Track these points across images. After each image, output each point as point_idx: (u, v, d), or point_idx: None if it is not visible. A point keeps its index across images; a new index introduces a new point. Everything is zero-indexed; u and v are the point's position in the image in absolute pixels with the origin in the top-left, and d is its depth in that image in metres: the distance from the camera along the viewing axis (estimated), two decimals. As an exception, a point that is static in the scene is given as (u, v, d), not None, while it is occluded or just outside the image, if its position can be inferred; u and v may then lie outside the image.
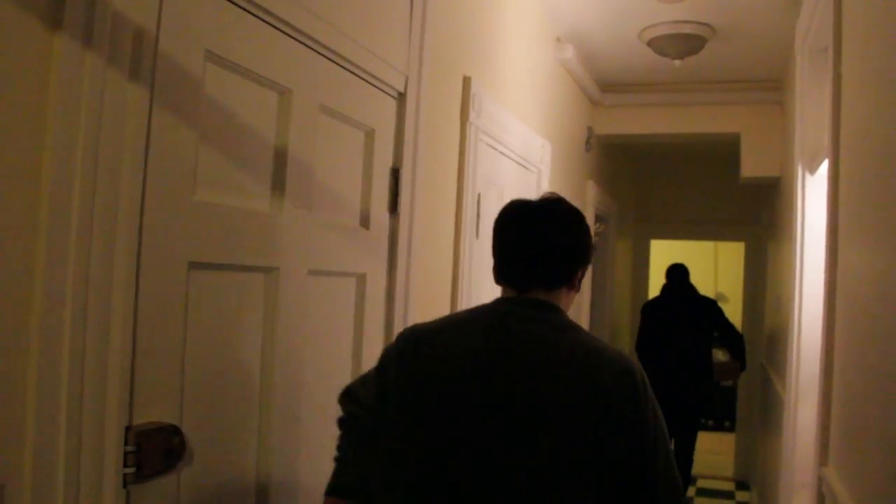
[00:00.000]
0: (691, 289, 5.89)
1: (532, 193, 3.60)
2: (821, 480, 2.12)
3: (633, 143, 6.13)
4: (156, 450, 1.32)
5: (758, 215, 6.50)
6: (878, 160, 1.66)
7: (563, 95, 4.35)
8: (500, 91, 3.15)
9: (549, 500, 1.45)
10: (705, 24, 3.84)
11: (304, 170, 1.78)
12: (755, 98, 4.85)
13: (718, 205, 6.93)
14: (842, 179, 2.12)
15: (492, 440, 1.47)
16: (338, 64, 1.90)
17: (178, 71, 1.38)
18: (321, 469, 1.89)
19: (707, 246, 9.06)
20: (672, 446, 1.55)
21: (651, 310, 5.94)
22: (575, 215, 1.61)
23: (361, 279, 2.07)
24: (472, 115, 2.72)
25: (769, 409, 4.78)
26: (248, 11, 1.57)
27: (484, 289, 2.97)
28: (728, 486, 6.65)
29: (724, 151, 5.58)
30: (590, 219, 4.79)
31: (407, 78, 2.22)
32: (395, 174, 2.20)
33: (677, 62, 4.12)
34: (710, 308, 5.77)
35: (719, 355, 6.07)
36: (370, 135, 2.08)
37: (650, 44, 4.03)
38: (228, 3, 1.52)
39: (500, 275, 1.63)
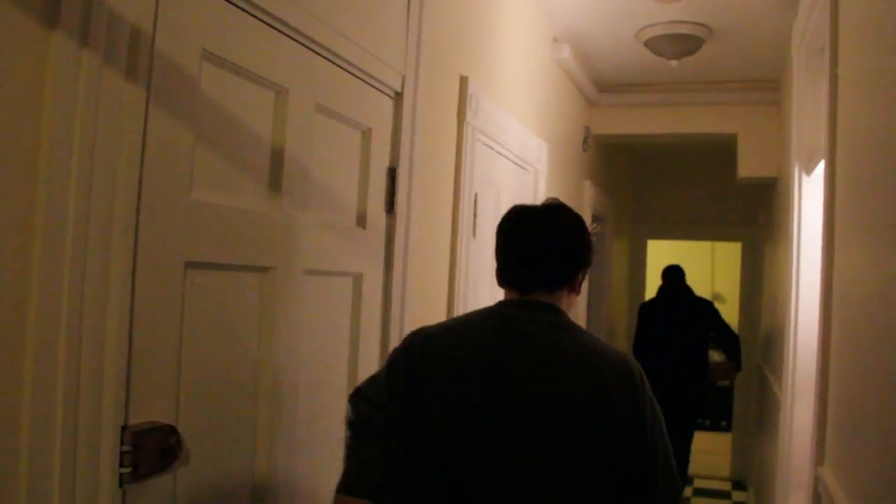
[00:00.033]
0: (687, 290, 5.94)
1: (529, 193, 3.60)
2: (817, 480, 2.13)
3: (630, 143, 6.14)
4: (152, 449, 1.31)
5: (754, 215, 6.50)
6: (874, 160, 1.67)
7: (560, 95, 4.35)
8: (497, 91, 3.15)
9: (549, 498, 1.47)
10: (702, 25, 3.84)
11: (300, 169, 1.78)
12: (752, 98, 4.86)
13: (715, 205, 6.94)
14: (838, 180, 2.12)
15: (493, 440, 1.50)
16: (334, 63, 1.90)
17: (175, 70, 1.38)
18: (318, 469, 1.89)
19: (704, 246, 9.06)
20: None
21: (647, 311, 6.00)
22: (575, 220, 1.65)
23: (358, 279, 2.07)
24: (468, 115, 2.72)
25: (766, 409, 4.79)
26: (245, 11, 1.57)
27: (481, 288, 2.98)
28: (725, 485, 6.65)
29: (721, 152, 5.59)
30: (586, 219, 4.79)
31: (404, 77, 2.22)
32: (392, 174, 2.20)
33: (674, 62, 4.13)
34: (705, 309, 5.83)
35: (715, 356, 6.13)
36: (367, 134, 2.08)
37: (647, 44, 4.03)
38: (225, 3, 1.51)
39: (503, 277, 1.67)
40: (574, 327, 1.61)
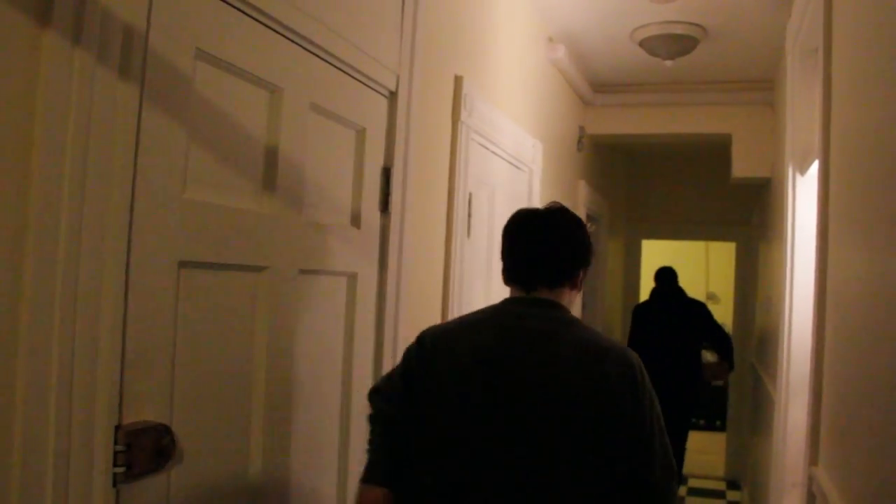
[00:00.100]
0: (680, 292, 6.03)
1: (524, 193, 3.61)
2: (811, 480, 2.13)
3: (624, 143, 6.15)
4: (146, 449, 1.31)
5: (749, 216, 6.52)
6: (867, 161, 1.67)
7: (555, 95, 4.35)
8: (492, 91, 3.15)
9: (549, 497, 1.53)
10: (697, 25, 3.85)
11: (294, 169, 1.78)
12: (746, 99, 4.87)
13: (709, 205, 6.95)
14: (832, 180, 2.13)
15: (493, 440, 1.58)
16: (329, 63, 1.90)
17: (168, 69, 1.38)
18: (312, 468, 1.89)
19: (698, 246, 9.08)
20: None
21: (641, 313, 6.10)
22: (575, 222, 1.78)
23: (352, 279, 2.07)
24: (463, 115, 2.72)
25: (760, 409, 4.80)
26: (239, 10, 1.56)
27: (475, 288, 2.97)
28: (719, 485, 6.67)
29: (716, 152, 5.60)
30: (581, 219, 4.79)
31: (398, 77, 2.22)
32: (387, 173, 2.20)
33: (669, 62, 4.13)
34: (698, 310, 5.93)
35: (708, 356, 6.19)
36: (361, 134, 2.08)
37: (642, 44, 4.04)
38: (219, 2, 1.51)
39: (509, 276, 1.78)
40: (575, 322, 1.71)
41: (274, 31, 1.68)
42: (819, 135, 2.29)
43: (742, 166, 4.90)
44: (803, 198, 3.05)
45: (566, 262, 1.74)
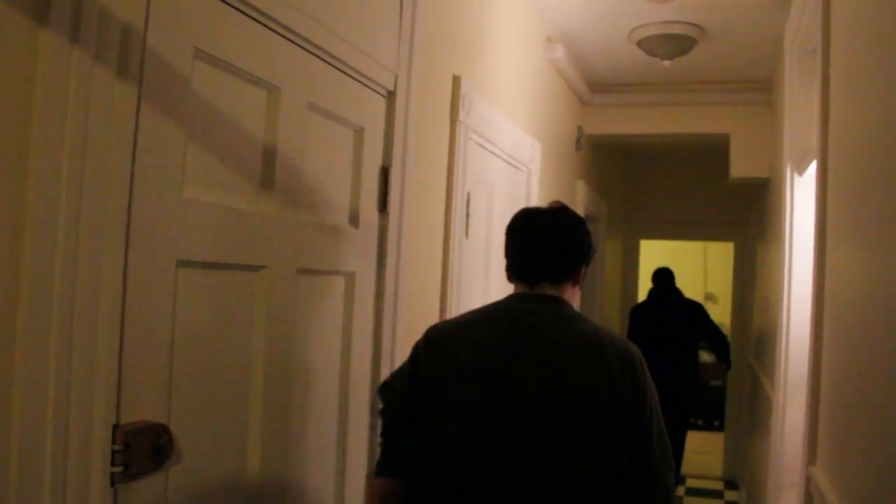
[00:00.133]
0: (677, 292, 6.06)
1: (522, 193, 3.60)
2: (809, 480, 2.13)
3: (622, 143, 6.15)
4: (144, 448, 1.31)
5: (747, 216, 6.52)
6: (865, 161, 1.67)
7: (553, 95, 4.35)
8: (490, 90, 3.15)
9: (552, 483, 1.57)
10: (695, 25, 3.85)
11: (292, 168, 1.77)
12: (744, 99, 4.87)
13: (708, 205, 6.96)
14: (830, 180, 2.13)
15: (498, 433, 1.61)
16: (327, 62, 1.90)
17: (167, 68, 1.37)
18: (310, 467, 1.89)
19: (696, 246, 9.08)
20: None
21: (638, 314, 6.12)
22: (577, 220, 1.83)
23: (350, 278, 2.07)
24: (461, 115, 2.72)
25: (758, 409, 4.80)
26: (237, 9, 1.56)
27: (473, 288, 2.97)
28: (717, 485, 6.67)
29: (714, 152, 5.60)
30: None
31: (396, 76, 2.22)
32: (385, 173, 2.20)
33: (667, 63, 4.13)
34: (695, 311, 5.95)
35: (705, 356, 6.21)
36: (359, 133, 2.08)
37: (640, 44, 4.04)
38: (217, 1, 1.51)
39: (513, 273, 1.83)
40: (578, 316, 1.76)
41: (272, 30, 1.68)
42: (817, 135, 2.29)
43: (740, 166, 4.91)
44: (801, 198, 3.06)
45: (568, 259, 1.79)
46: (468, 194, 2.86)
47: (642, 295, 6.59)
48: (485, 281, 3.11)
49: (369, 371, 2.16)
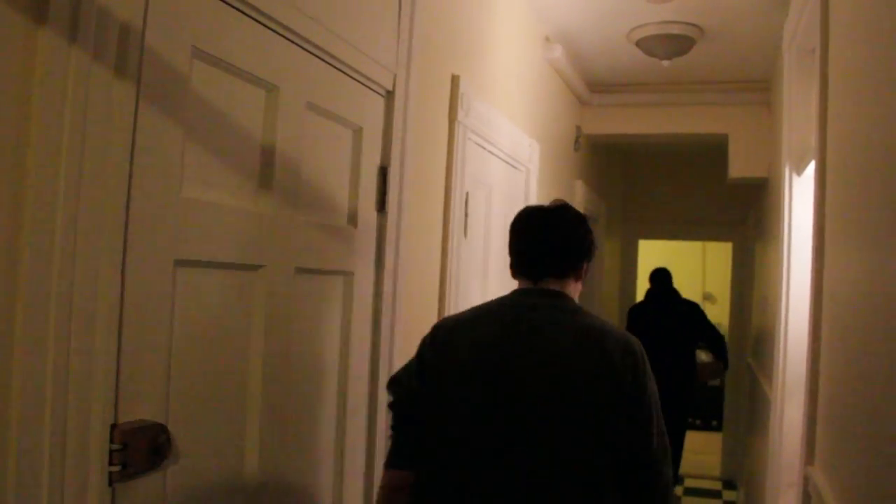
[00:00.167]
0: (674, 293, 6.08)
1: (520, 193, 3.60)
2: (807, 480, 2.13)
3: (621, 143, 6.15)
4: (142, 448, 1.31)
5: (745, 216, 6.53)
6: (864, 161, 1.67)
7: (552, 95, 4.35)
8: (489, 90, 3.15)
9: (552, 481, 1.59)
10: (693, 25, 3.85)
11: (291, 167, 1.77)
12: (743, 99, 4.88)
13: (706, 205, 6.96)
14: (828, 180, 2.13)
15: (498, 431, 1.63)
16: (326, 61, 1.90)
17: (165, 67, 1.37)
18: (308, 466, 1.89)
19: (695, 246, 9.08)
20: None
21: (636, 315, 6.13)
22: (579, 218, 1.88)
23: (349, 278, 2.07)
24: (460, 114, 2.72)
25: (756, 409, 4.80)
26: (236, 8, 1.56)
27: (472, 287, 2.97)
28: (715, 485, 6.67)
29: (712, 152, 5.61)
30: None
31: (395, 76, 2.22)
32: (383, 172, 2.20)
33: (665, 63, 4.13)
34: (692, 311, 5.98)
35: (703, 356, 6.22)
36: (358, 133, 2.08)
37: (638, 44, 4.04)
38: (216, 0, 1.51)
39: (517, 269, 1.87)
40: (580, 310, 1.79)
41: (271, 30, 1.67)
42: (816, 135, 2.29)
43: (739, 166, 4.91)
44: (800, 198, 3.06)
45: (570, 255, 1.83)
46: (467, 194, 2.86)
47: (640, 295, 6.59)
48: (483, 280, 3.11)
49: (367, 370, 2.16)
